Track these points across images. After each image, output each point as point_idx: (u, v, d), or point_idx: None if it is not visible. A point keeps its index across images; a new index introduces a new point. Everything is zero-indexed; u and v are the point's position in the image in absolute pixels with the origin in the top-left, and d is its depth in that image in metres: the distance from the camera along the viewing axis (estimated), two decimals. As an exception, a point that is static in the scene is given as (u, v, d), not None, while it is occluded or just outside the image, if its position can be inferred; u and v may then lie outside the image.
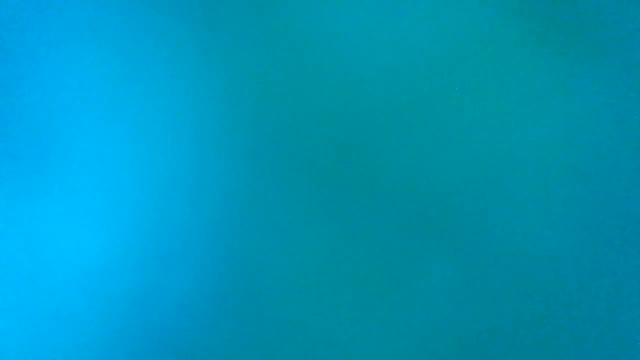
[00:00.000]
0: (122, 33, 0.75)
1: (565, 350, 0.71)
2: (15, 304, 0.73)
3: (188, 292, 0.72)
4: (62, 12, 0.76)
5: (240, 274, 0.72)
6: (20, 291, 0.73)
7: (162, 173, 0.74)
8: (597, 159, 0.73)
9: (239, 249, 0.73)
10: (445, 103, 0.74)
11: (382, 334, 0.72)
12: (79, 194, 0.73)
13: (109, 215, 0.73)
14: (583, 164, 0.73)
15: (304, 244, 0.73)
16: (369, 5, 0.75)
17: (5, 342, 0.73)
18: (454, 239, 0.72)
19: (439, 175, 0.73)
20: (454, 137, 0.73)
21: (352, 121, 0.74)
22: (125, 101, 0.74)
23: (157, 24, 0.75)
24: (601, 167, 0.72)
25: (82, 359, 0.72)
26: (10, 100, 0.75)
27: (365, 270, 0.72)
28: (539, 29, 0.74)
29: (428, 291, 0.72)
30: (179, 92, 0.75)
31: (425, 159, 0.73)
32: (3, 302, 0.73)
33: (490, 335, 0.71)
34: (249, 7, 0.76)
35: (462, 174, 0.73)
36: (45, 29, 0.76)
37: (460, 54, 0.74)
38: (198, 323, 0.72)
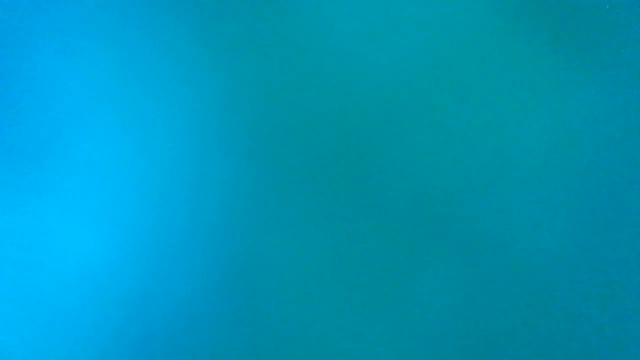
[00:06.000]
0: (123, 32, 0.75)
1: (565, 350, 0.71)
2: (14, 304, 0.73)
3: (188, 293, 0.72)
4: (62, 12, 0.76)
5: (240, 274, 0.72)
6: (20, 291, 0.73)
7: (163, 173, 0.74)
8: (597, 160, 0.73)
9: (239, 250, 0.73)
10: (446, 104, 0.74)
11: (382, 334, 0.72)
12: (79, 194, 0.74)
13: (109, 215, 0.73)
14: (584, 164, 0.73)
15: (305, 244, 0.73)
16: (370, 5, 0.75)
17: (5, 342, 0.73)
18: (454, 239, 0.72)
19: (439, 175, 0.73)
20: (455, 137, 0.73)
21: (352, 121, 0.74)
22: (126, 101, 0.75)
23: (158, 24, 0.75)
24: (602, 168, 0.72)
25: (82, 359, 0.72)
26: (11, 100, 0.75)
27: (366, 271, 0.72)
28: (539, 29, 0.74)
29: (428, 292, 0.72)
30: (179, 92, 0.75)
31: (425, 160, 0.73)
32: (2, 302, 0.73)
33: (491, 335, 0.71)
34: (249, 7, 0.76)
35: (462, 174, 0.73)
36: (46, 29, 0.76)
37: (460, 55, 0.74)
38: (198, 323, 0.72)
